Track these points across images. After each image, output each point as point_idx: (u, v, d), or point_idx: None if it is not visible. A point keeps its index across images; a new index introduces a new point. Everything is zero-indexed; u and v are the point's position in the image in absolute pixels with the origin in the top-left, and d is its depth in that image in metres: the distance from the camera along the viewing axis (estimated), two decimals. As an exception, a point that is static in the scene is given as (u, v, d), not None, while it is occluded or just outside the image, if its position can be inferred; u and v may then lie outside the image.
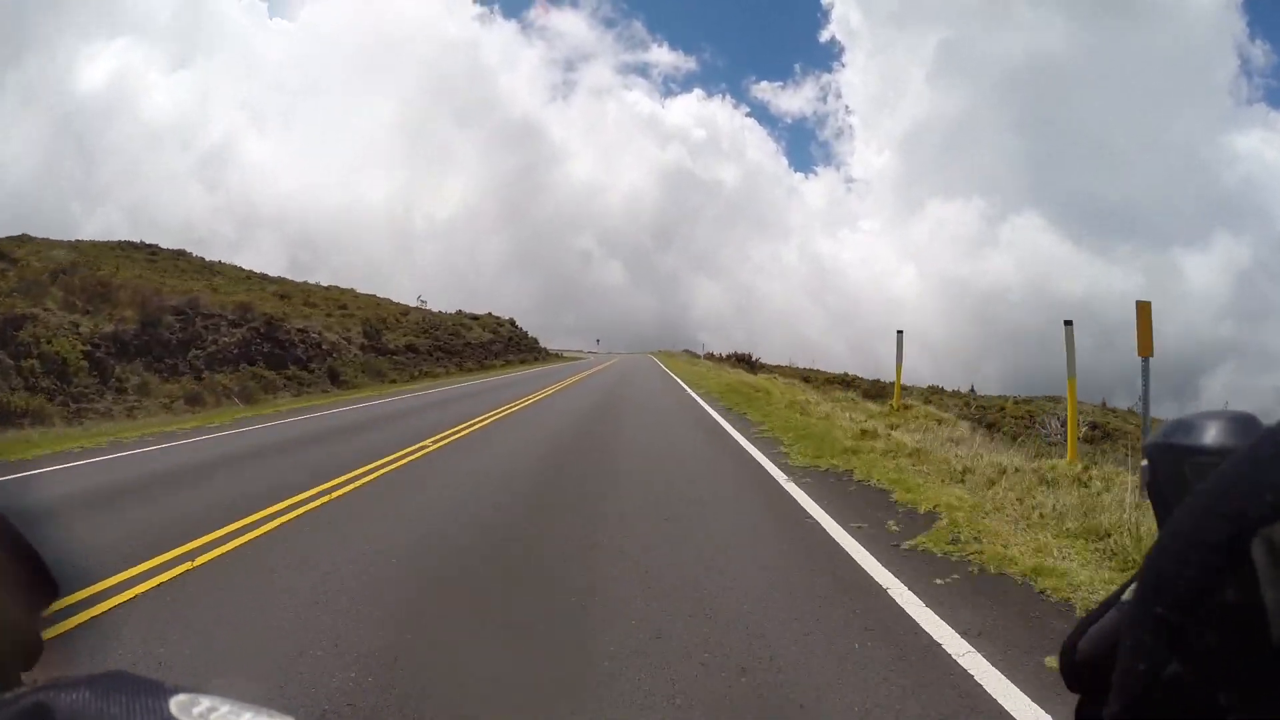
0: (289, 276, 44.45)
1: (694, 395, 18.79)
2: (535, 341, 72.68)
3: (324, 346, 25.58)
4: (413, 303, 52.55)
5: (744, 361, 42.22)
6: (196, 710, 0.30)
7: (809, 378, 45.05)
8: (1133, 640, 0.30)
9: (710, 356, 54.14)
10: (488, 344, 48.34)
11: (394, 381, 26.06)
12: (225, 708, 0.31)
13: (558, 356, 72.21)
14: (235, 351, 21.29)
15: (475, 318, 56.46)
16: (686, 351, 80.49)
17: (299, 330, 25.14)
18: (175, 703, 0.31)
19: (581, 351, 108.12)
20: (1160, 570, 0.30)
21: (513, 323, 68.38)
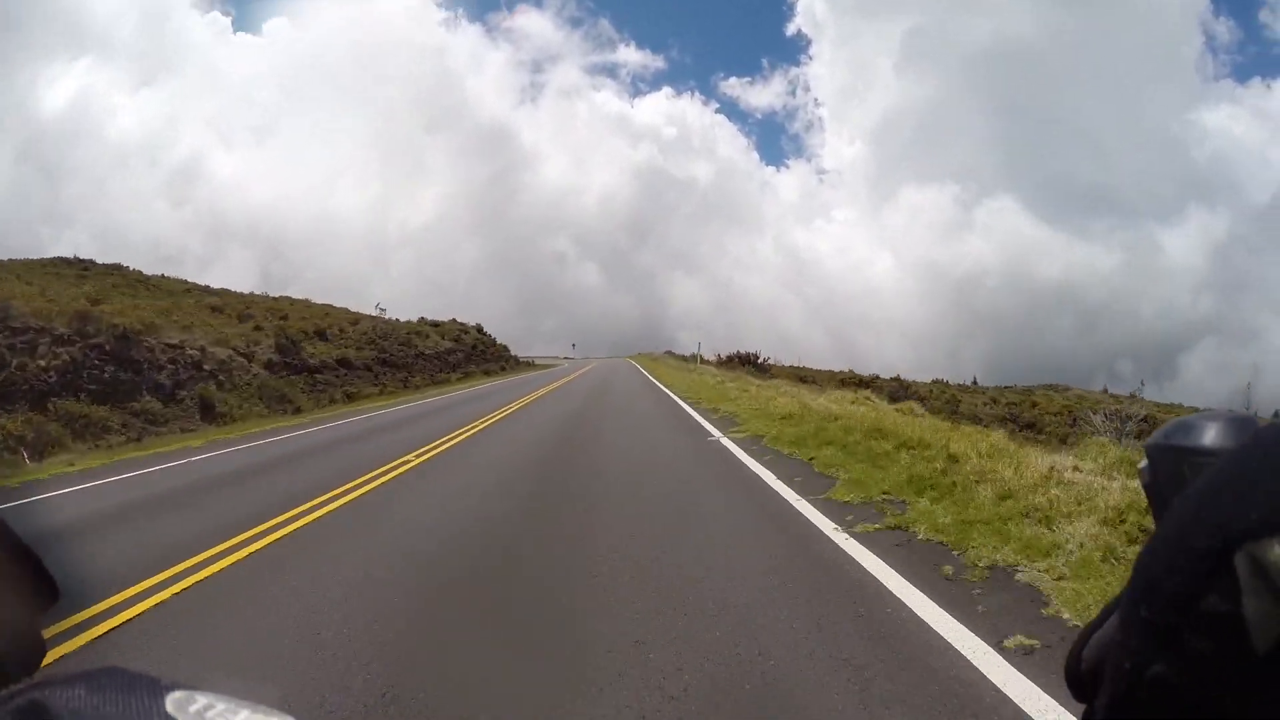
0: (263, 291, 41.94)
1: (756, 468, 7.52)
2: (504, 349, 66.74)
3: (206, 367, 19.43)
4: (377, 311, 46.77)
5: (749, 363, 36.26)
6: (193, 708, 0.30)
7: (847, 380, 39.88)
8: (1121, 639, 0.32)
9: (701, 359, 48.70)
10: (445, 354, 42.26)
11: (299, 411, 19.93)
12: (221, 705, 0.31)
13: (529, 365, 66.09)
14: (53, 379, 15.11)
15: (436, 324, 50.35)
16: (669, 353, 74.94)
17: (170, 346, 18.98)
18: (171, 700, 0.30)
19: (557, 358, 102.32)
20: (1148, 575, 0.31)
21: (479, 329, 62.43)
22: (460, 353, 47.04)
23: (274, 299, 41.25)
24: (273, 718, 0.32)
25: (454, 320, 58.25)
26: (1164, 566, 0.30)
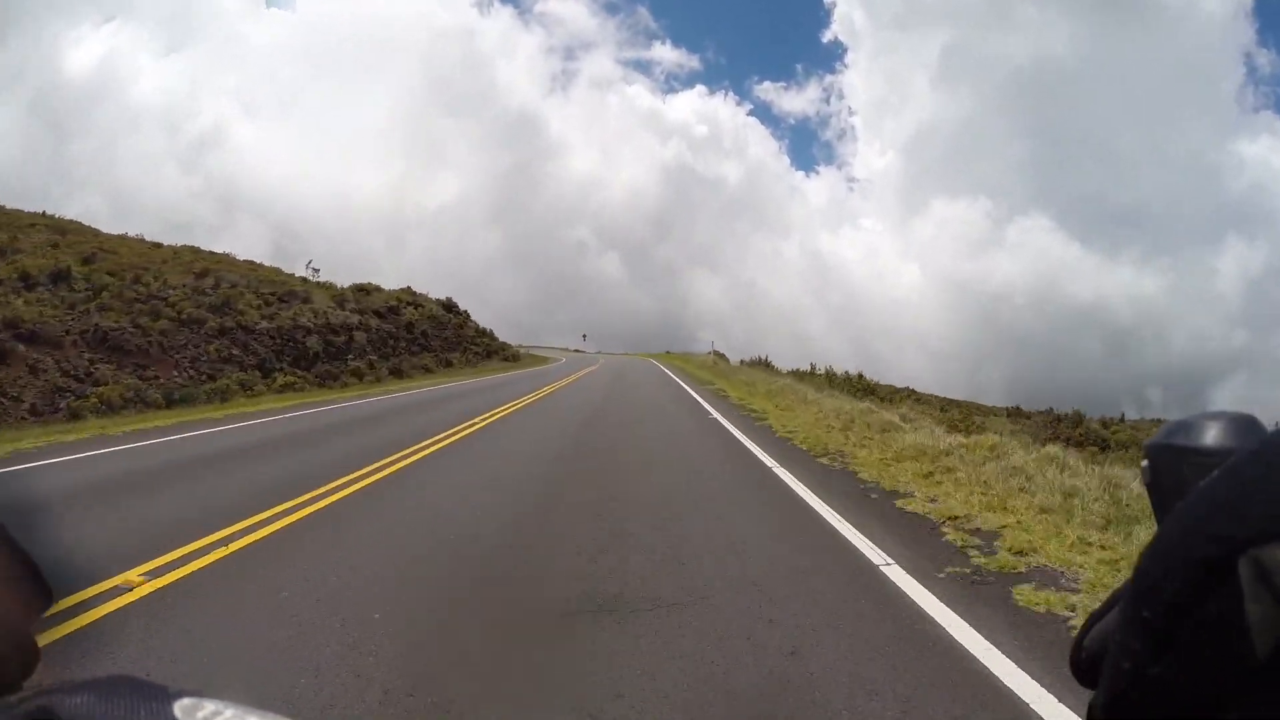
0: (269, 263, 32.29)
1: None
2: (487, 335, 50.10)
3: None
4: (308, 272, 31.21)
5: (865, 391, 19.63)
6: (201, 715, 0.30)
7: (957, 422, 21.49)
8: (1121, 639, 0.31)
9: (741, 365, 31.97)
10: (340, 346, 25.31)
11: None
12: (230, 711, 0.30)
13: (513, 360, 48.97)
14: None
15: (366, 291, 33.74)
16: (718, 354, 58.25)
17: None
18: (179, 707, 0.30)
19: (562, 350, 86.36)
20: (1149, 577, 0.30)
21: (448, 305, 45.75)
22: (399, 340, 30.54)
23: (192, 250, 27.85)
24: None
25: (407, 289, 41.62)
26: (1164, 570, 0.30)
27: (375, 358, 25.51)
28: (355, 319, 26.90)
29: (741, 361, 36.54)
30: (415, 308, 37.87)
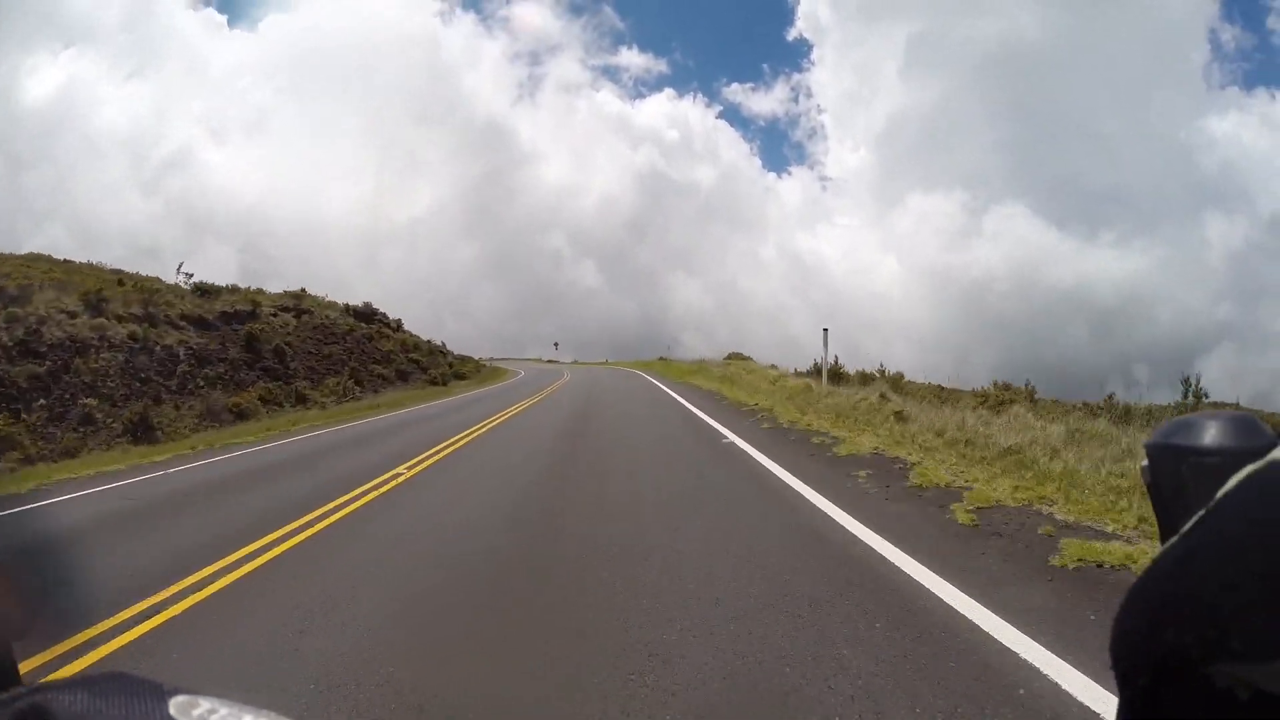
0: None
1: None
2: (417, 350, 38.42)
3: None
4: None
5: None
6: (196, 712, 0.30)
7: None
8: (1116, 676, 0.31)
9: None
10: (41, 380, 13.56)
11: None
12: (224, 709, 0.30)
13: (442, 383, 37.15)
14: None
15: (207, 292, 22.01)
16: (736, 357, 47.26)
17: None
18: (174, 704, 0.30)
19: (540, 360, 74.75)
20: (1117, 650, 0.30)
21: (363, 311, 34.09)
22: (198, 355, 18.82)
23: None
24: None
25: (301, 290, 29.88)
26: (1128, 663, 0.29)
27: (95, 402, 13.60)
28: (99, 333, 15.04)
29: (798, 371, 25.42)
30: (297, 314, 26.06)
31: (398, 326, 39.65)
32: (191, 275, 27.08)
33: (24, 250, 24.21)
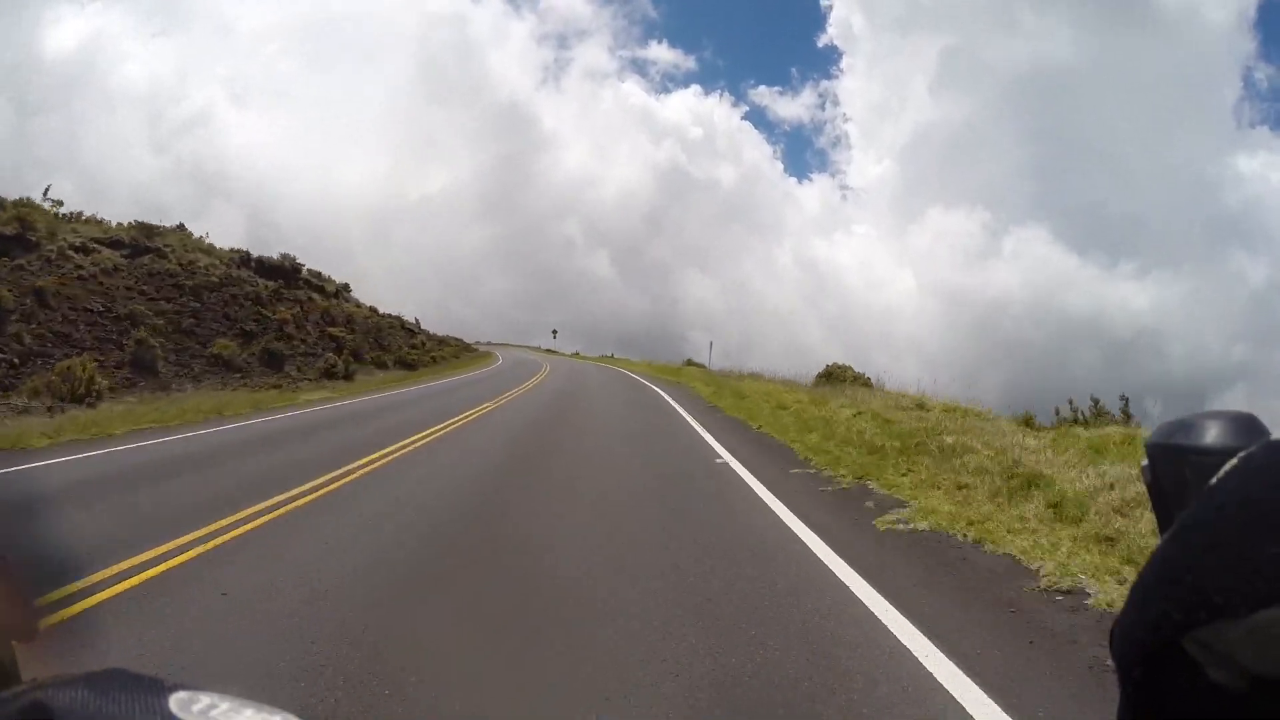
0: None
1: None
2: (341, 328, 29.32)
3: None
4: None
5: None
6: (196, 707, 0.30)
7: None
8: (1116, 669, 0.31)
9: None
10: None
11: None
12: (225, 704, 0.30)
13: (346, 377, 27.06)
14: None
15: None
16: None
17: None
18: (175, 700, 0.30)
19: (538, 349, 65.93)
20: (1116, 651, 0.30)
21: (264, 263, 24.90)
22: None
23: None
24: (276, 717, 0.30)
25: (132, 224, 20.64)
26: (1122, 651, 0.30)
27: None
28: None
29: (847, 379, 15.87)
30: (134, 254, 16.97)
31: (337, 292, 30.54)
32: (61, 203, 18.27)
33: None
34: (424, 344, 41.13)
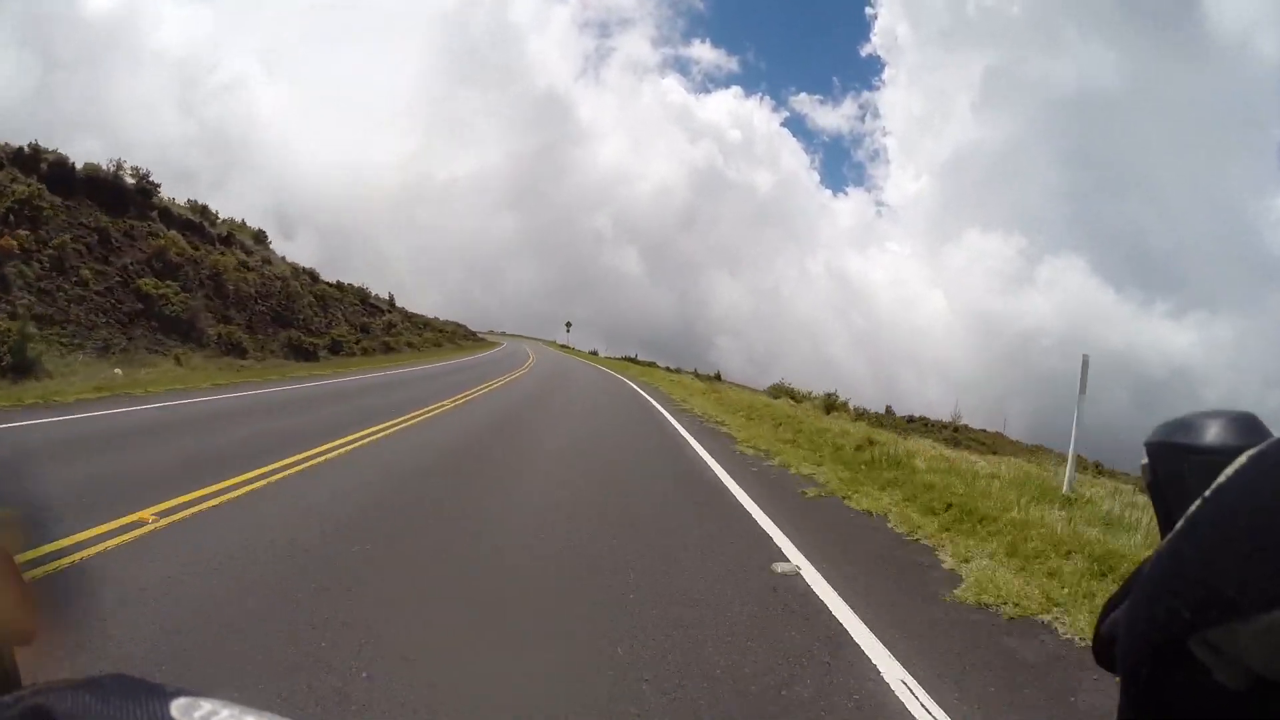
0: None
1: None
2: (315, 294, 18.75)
3: None
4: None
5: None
6: (198, 714, 0.29)
7: None
8: (1120, 666, 0.31)
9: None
10: None
11: None
12: (226, 711, 0.30)
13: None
14: None
15: None
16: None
17: None
18: (176, 706, 0.29)
19: (554, 342, 56.92)
20: (1121, 644, 0.30)
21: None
22: None
23: None
24: None
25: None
26: (1126, 650, 0.29)
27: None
28: None
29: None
30: None
31: (230, 237, 21.10)
32: None
33: None
34: (392, 326, 31.55)
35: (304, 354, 17.87)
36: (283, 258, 25.53)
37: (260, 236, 23.91)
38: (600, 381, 20.43)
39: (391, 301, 35.56)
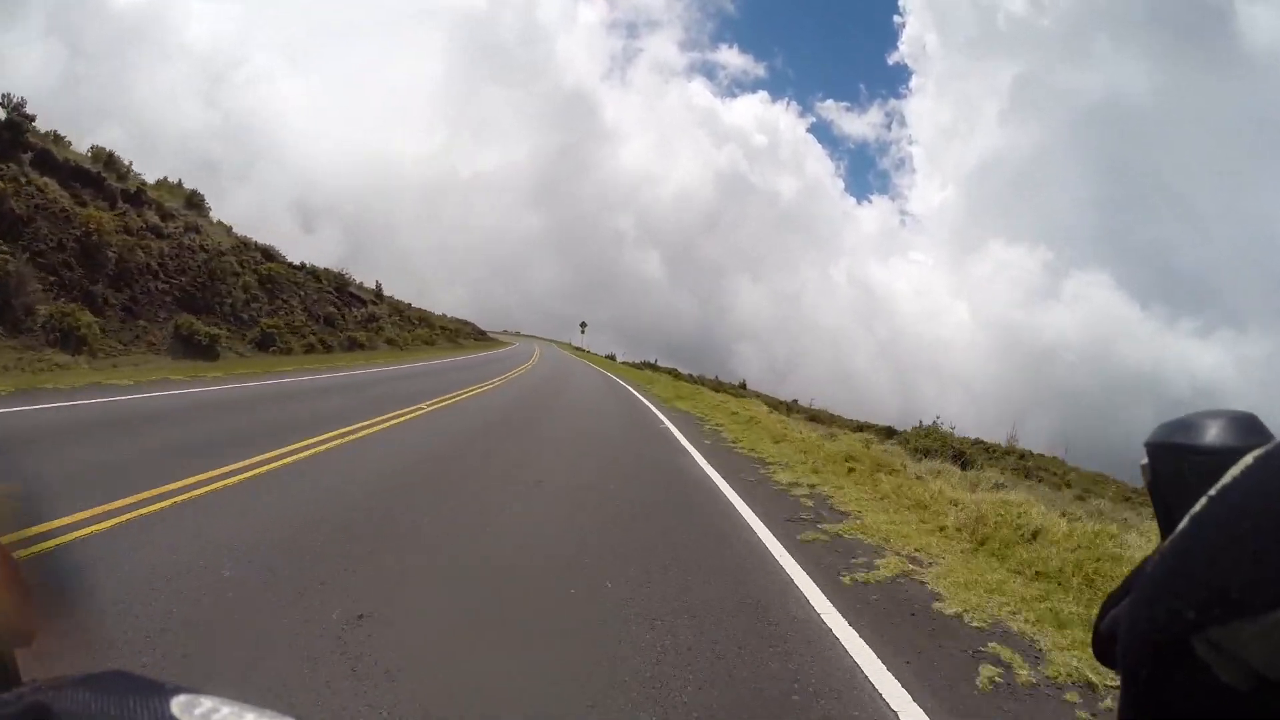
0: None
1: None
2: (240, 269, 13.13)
3: None
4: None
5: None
6: (198, 711, 0.29)
7: None
8: (1121, 668, 0.30)
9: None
10: None
11: None
12: (227, 709, 0.29)
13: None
14: None
15: None
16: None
17: None
18: (176, 703, 0.29)
19: (567, 344, 52.36)
20: (1122, 642, 0.30)
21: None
22: None
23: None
24: None
25: None
26: (1129, 648, 0.29)
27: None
28: None
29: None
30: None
31: (139, 194, 16.26)
32: None
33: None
34: (373, 319, 26.70)
35: (198, 349, 12.90)
36: (231, 228, 20.73)
37: (196, 200, 19.14)
38: (621, 425, 10.90)
39: (378, 292, 30.73)
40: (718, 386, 40.03)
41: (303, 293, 21.51)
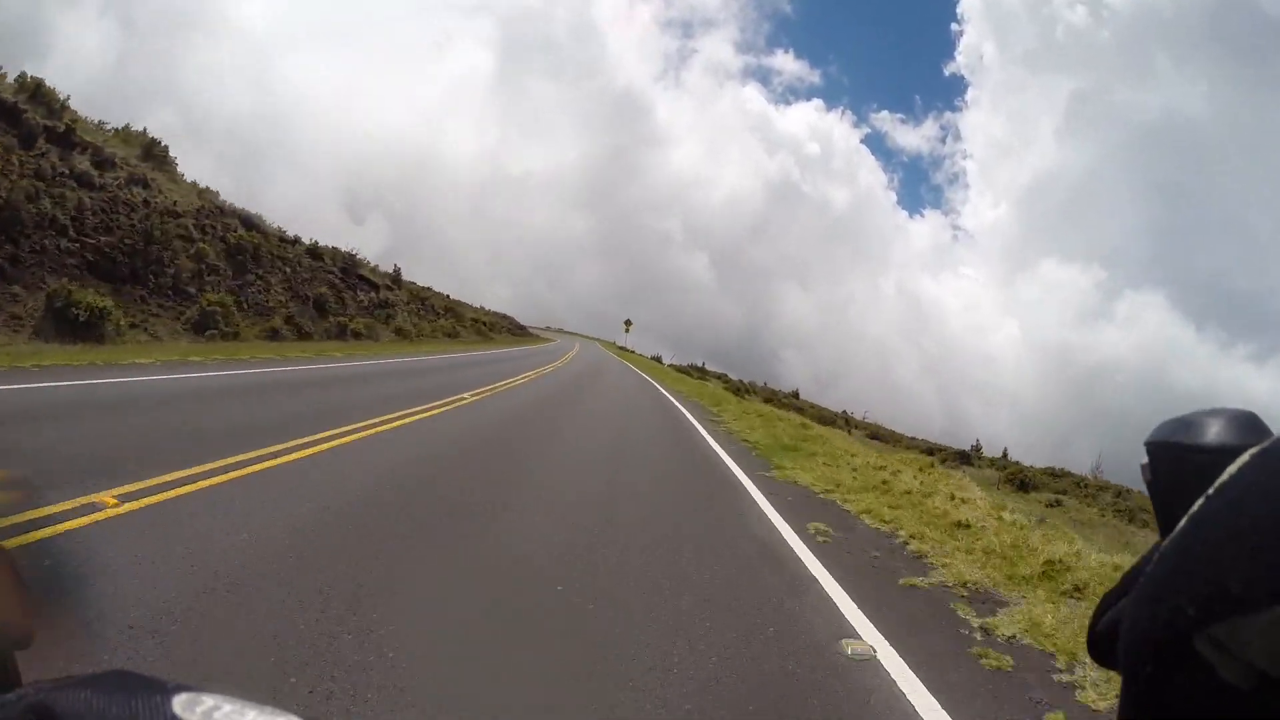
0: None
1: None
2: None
3: None
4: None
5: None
6: (200, 709, 0.29)
7: None
8: (1123, 667, 0.30)
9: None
10: None
11: None
12: (229, 706, 0.29)
13: None
14: None
15: None
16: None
17: None
18: (178, 701, 0.29)
19: (612, 343, 48.82)
20: (1125, 647, 0.29)
21: None
22: None
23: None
24: (279, 718, 0.29)
25: None
26: (1130, 649, 0.28)
27: None
28: None
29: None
30: None
31: (67, 131, 12.80)
32: None
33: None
34: (384, 305, 23.32)
35: (76, 327, 9.37)
36: (204, 189, 17.50)
37: (158, 152, 15.91)
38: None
39: (396, 277, 27.41)
40: (769, 396, 35.47)
41: (288, 269, 18.14)
